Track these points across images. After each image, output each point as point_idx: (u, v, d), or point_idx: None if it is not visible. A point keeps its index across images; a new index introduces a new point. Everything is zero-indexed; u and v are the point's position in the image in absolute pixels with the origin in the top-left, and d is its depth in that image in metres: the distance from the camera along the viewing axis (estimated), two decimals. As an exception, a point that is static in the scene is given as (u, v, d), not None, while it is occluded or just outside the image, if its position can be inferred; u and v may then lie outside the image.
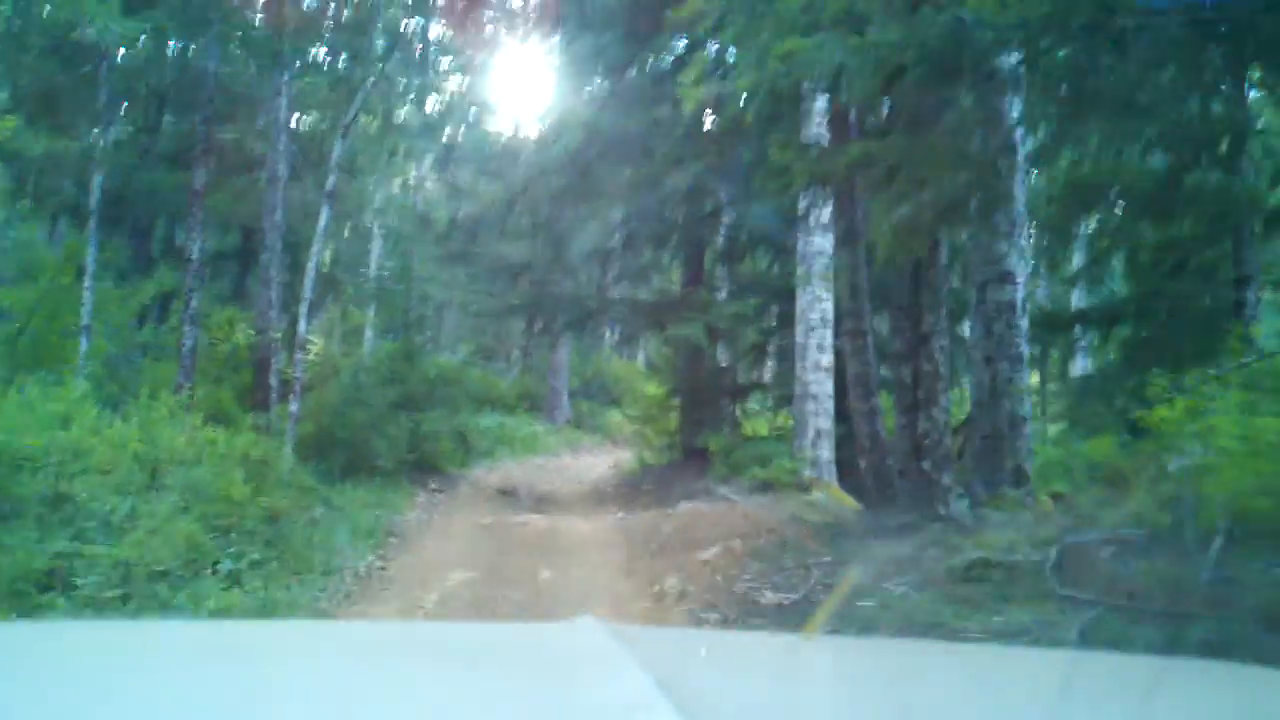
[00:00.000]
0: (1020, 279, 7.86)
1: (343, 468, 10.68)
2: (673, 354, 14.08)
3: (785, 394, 12.26)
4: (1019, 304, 7.79)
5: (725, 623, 5.15)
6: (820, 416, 9.91)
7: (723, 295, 12.98)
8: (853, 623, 4.98)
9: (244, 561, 5.31)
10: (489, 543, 7.92)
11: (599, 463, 17.82)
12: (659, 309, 11.52)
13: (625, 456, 18.61)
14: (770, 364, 13.53)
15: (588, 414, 21.71)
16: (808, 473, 9.74)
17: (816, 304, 10.03)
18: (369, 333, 20.81)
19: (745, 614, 5.30)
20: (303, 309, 9.10)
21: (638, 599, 5.92)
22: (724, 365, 12.78)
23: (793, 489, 9.49)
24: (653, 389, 14.55)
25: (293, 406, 8.92)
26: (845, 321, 7.50)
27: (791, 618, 5.19)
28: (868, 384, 7.48)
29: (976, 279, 7.94)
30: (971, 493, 7.51)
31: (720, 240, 12.83)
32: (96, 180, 9.20)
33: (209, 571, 5.03)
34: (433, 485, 12.19)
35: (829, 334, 10.07)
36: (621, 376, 24.33)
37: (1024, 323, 7.80)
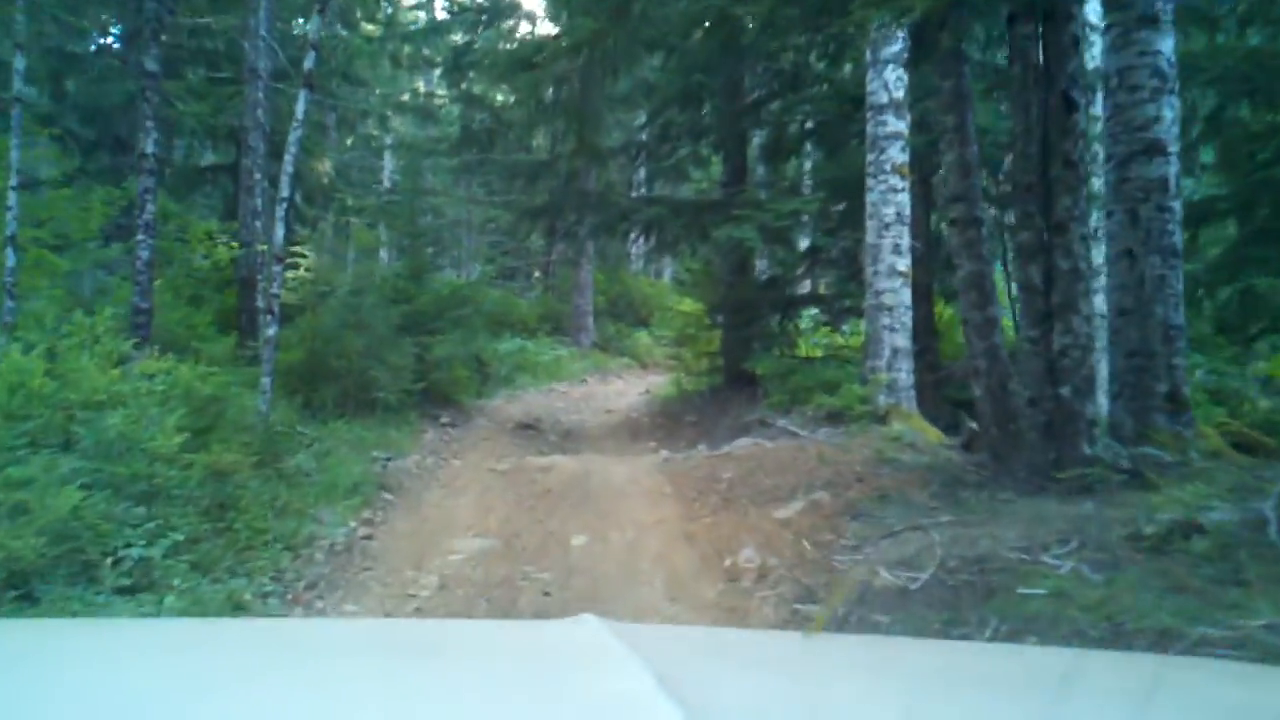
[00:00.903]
0: (1172, 150, 6.14)
1: (337, 402, 9.24)
2: (714, 264, 12.45)
3: (847, 307, 10.63)
4: (1172, 182, 6.09)
5: (839, 622, 3.65)
6: (897, 332, 8.30)
7: (763, 195, 11.24)
8: (1018, 622, 3.47)
9: (164, 543, 3.86)
10: (506, 495, 6.45)
11: (630, 389, 16.36)
12: (701, 209, 9.84)
13: (658, 381, 17.20)
14: (824, 274, 11.81)
15: (615, 336, 20.16)
16: (883, 399, 8.18)
17: (891, 197, 8.34)
18: (384, 255, 19.26)
19: (860, 606, 3.78)
20: (279, 213, 7.51)
21: (706, 579, 4.43)
22: (773, 275, 11.10)
23: (867, 420, 7.96)
24: (688, 306, 12.93)
25: (269, 330, 7.41)
26: (953, 207, 5.82)
27: (925, 610, 3.68)
28: (983, 286, 5.83)
29: (1116, 153, 6.22)
30: (1115, 426, 5.93)
31: (765, 134, 11.06)
32: (18, 61, 7.57)
33: (108, 563, 3.58)
34: (444, 419, 10.76)
35: (905, 233, 8.40)
36: (650, 295, 22.72)
37: (1178, 205, 6.11)
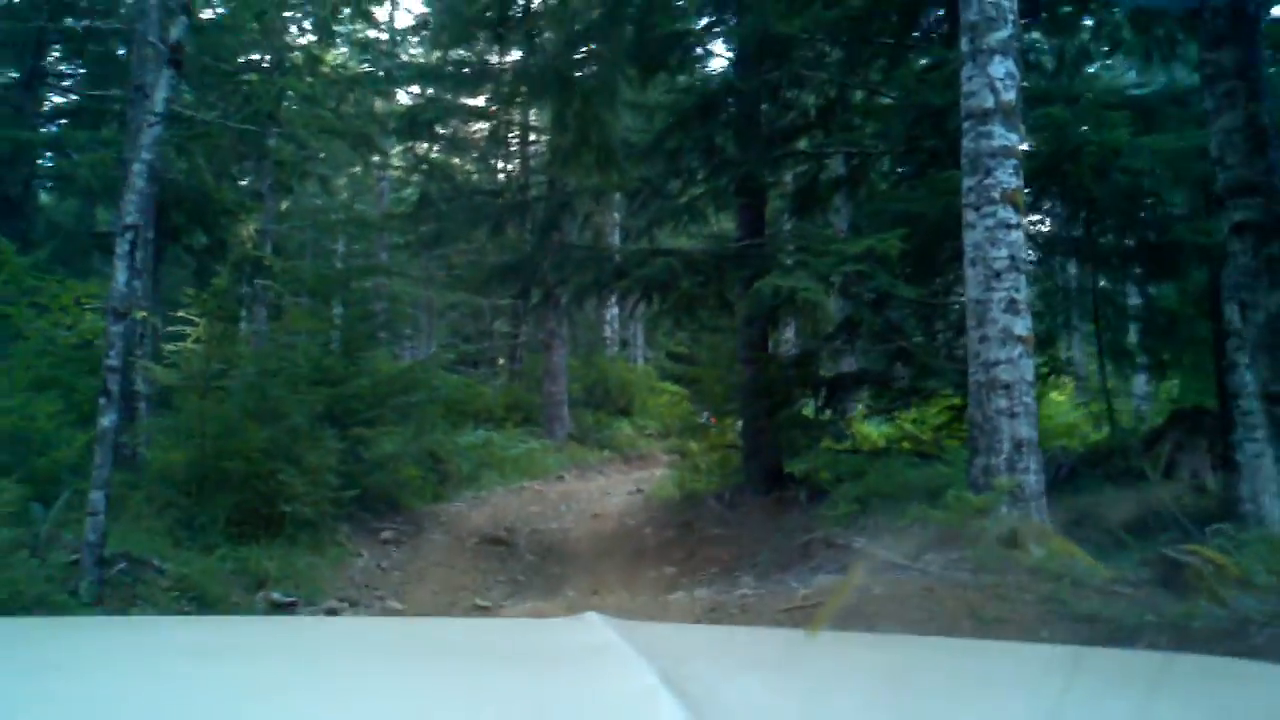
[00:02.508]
0: None
1: (232, 518, 6.65)
2: (716, 342, 10.16)
3: (909, 388, 8.30)
4: None
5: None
6: (1019, 419, 5.96)
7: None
8: None
9: None
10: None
11: (615, 486, 13.86)
12: (722, 261, 7.51)
13: (648, 478, 14.74)
14: (870, 345, 9.47)
15: (593, 426, 17.66)
16: (1004, 510, 5.78)
17: (1001, 236, 6.10)
18: (337, 337, 16.56)
19: None
20: (120, 247, 5.05)
21: None
22: (804, 349, 8.77)
23: (988, 541, 5.53)
24: (690, 387, 10.57)
25: (105, 420, 4.87)
26: (1237, 203, 3.58)
27: None
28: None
29: None
30: None
31: (795, 176, 8.91)
32: None
33: None
34: (386, 534, 8.16)
35: (1023, 284, 6.15)
36: (630, 381, 20.34)
37: None
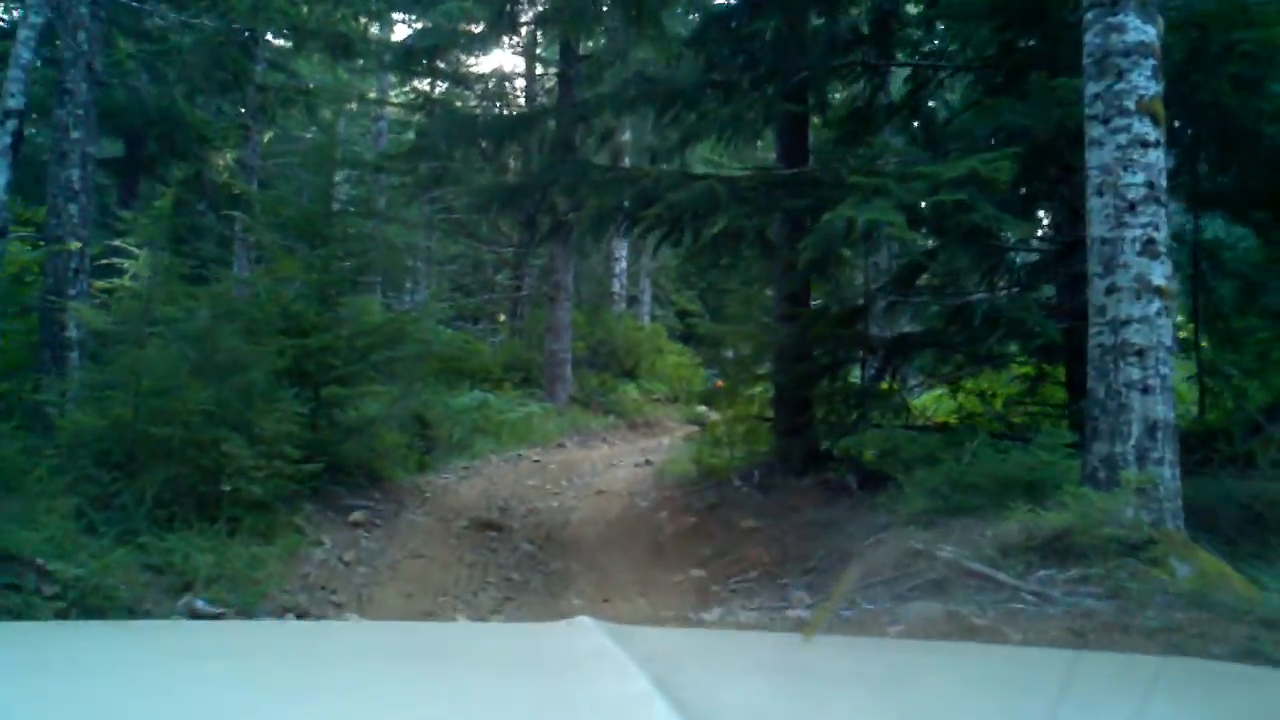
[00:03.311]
0: None
1: (162, 497, 5.38)
2: (751, 291, 8.85)
3: (1002, 351, 6.96)
4: None
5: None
6: (1153, 394, 4.67)
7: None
8: None
9: None
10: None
11: (621, 456, 12.61)
12: (773, 189, 6.12)
13: (656, 447, 13.52)
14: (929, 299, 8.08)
15: (598, 389, 16.36)
16: (1131, 513, 4.50)
17: (1136, 157, 4.75)
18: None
19: None
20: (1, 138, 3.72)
21: None
22: (853, 305, 7.40)
23: (1118, 554, 4.27)
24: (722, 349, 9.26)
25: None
26: None
27: None
28: None
29: None
30: None
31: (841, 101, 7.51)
32: None
33: None
34: (356, 514, 6.91)
35: (1163, 219, 4.81)
36: (638, 340, 19.02)
37: None
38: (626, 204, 6.52)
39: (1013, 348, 6.56)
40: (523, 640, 1.63)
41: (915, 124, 7.56)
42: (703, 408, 20.36)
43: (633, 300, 24.10)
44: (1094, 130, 4.85)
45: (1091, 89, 4.89)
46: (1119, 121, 4.76)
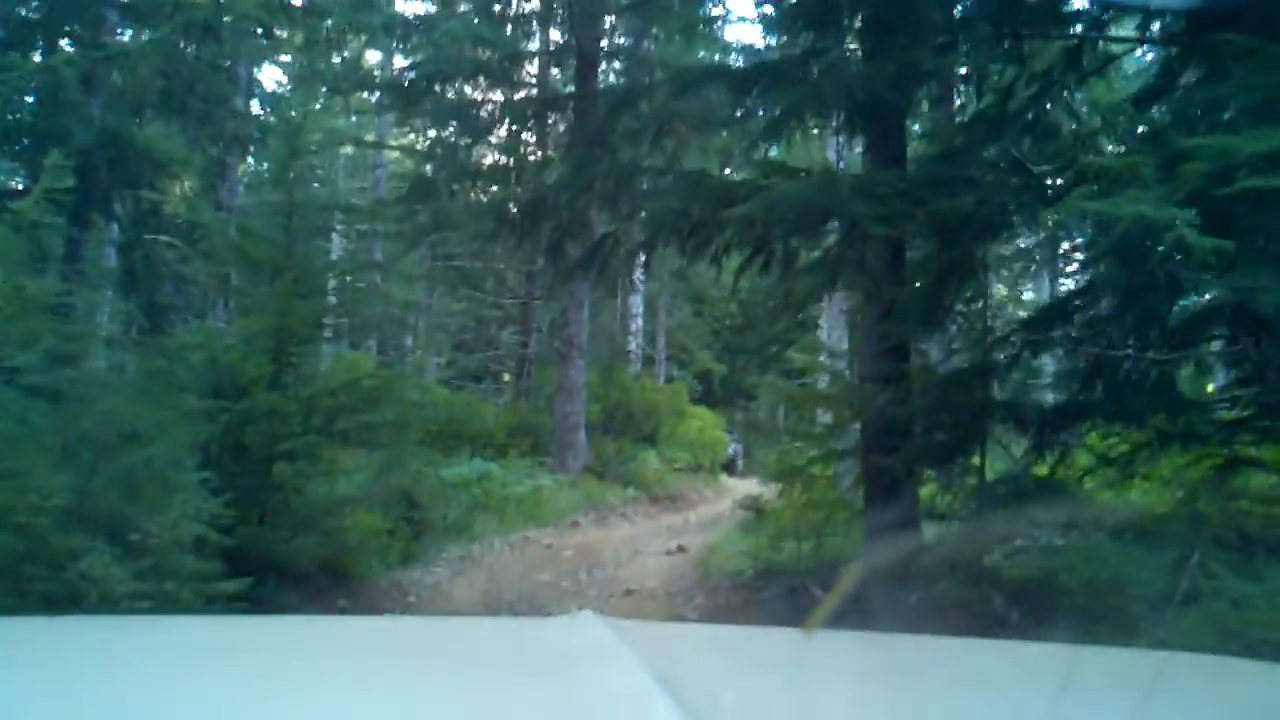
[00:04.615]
0: None
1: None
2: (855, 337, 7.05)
3: (1201, 431, 5.04)
4: None
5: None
6: None
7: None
8: None
9: None
10: None
11: (646, 539, 10.74)
12: (918, 189, 4.30)
13: (680, 525, 11.75)
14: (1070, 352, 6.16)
15: (614, 457, 14.47)
16: None
17: None
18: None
19: None
20: None
21: None
22: (973, 361, 5.53)
23: None
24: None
25: None
26: None
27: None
28: None
29: None
30: None
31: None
32: None
33: None
34: (306, 642, 4.97)
35: None
36: (657, 403, 17.18)
37: None
38: (695, 211, 4.65)
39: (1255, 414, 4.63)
40: (525, 635, 1.62)
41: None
42: (726, 476, 18.71)
43: (649, 360, 22.39)
44: None
45: None
46: None
